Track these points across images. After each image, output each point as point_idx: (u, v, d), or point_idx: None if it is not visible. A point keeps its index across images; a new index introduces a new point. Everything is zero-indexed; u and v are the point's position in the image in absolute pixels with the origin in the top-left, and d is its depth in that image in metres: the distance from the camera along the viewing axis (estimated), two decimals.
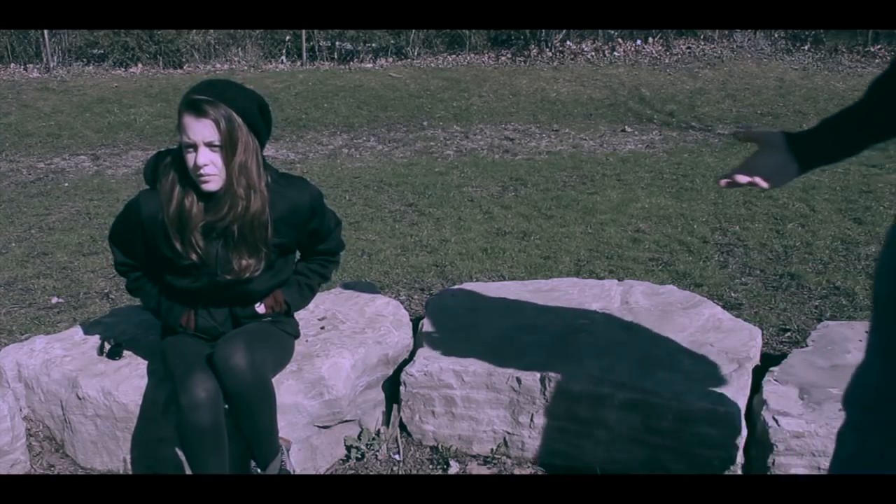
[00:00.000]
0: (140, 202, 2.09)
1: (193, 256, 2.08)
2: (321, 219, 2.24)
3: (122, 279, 4.11)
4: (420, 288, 3.89)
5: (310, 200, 2.17)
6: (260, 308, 2.26)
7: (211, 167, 1.96)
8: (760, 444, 2.17)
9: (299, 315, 2.72)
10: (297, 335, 2.42)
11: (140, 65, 11.44)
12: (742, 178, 1.66)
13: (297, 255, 2.38)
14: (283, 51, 12.07)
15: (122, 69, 11.35)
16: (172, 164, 2.06)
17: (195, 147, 1.95)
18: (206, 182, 1.99)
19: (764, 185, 1.67)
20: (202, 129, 1.92)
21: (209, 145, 1.95)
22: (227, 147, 1.95)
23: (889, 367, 1.56)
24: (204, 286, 2.15)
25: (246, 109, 1.99)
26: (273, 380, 2.30)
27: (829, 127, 1.62)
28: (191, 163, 1.97)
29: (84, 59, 11.63)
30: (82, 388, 2.34)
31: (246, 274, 2.12)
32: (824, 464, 2.12)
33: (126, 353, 2.48)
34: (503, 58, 12.05)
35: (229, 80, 2.07)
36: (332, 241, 2.33)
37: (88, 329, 2.67)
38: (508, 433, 2.42)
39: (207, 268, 2.11)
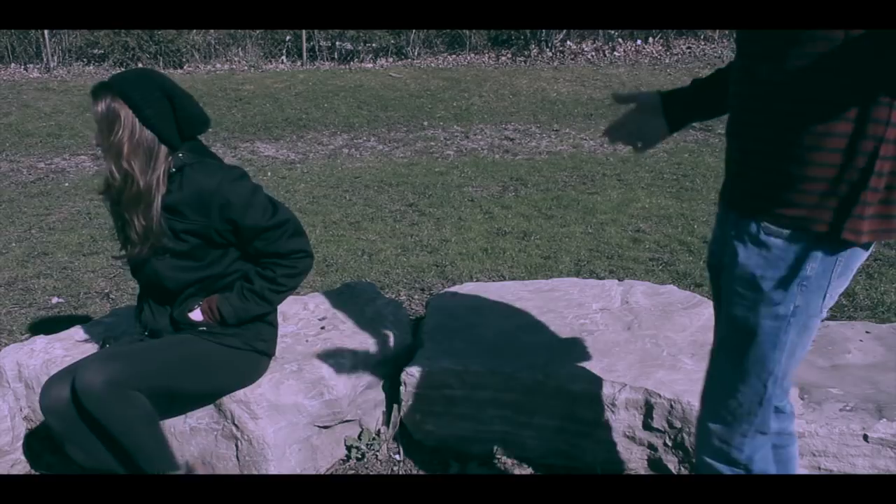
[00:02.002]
0: None
1: (117, 231, 2.19)
2: (243, 211, 2.08)
3: (121, 279, 4.12)
4: (420, 288, 3.89)
5: (218, 186, 2.06)
6: (195, 315, 2.18)
7: (99, 147, 2.08)
8: None
9: (300, 315, 2.72)
10: (251, 349, 2.23)
11: (140, 65, 11.44)
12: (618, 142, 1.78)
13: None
14: (283, 51, 12.07)
15: (123, 69, 11.34)
16: None
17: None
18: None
19: (636, 147, 1.77)
20: (93, 111, 2.06)
21: (97, 125, 2.07)
22: (105, 129, 2.05)
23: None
24: (132, 271, 2.23)
25: (134, 98, 2.02)
26: (273, 378, 2.30)
27: (700, 84, 1.71)
28: None
29: (84, 59, 11.64)
30: None
31: (138, 256, 2.12)
32: (825, 464, 2.13)
33: None
34: (503, 58, 12.05)
35: (142, 70, 2.11)
36: (273, 241, 2.13)
37: (88, 329, 2.67)
38: (508, 433, 2.41)
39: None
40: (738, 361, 1.54)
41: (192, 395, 2.26)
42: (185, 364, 2.13)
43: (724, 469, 1.64)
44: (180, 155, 2.11)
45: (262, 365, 2.29)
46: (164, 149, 2.08)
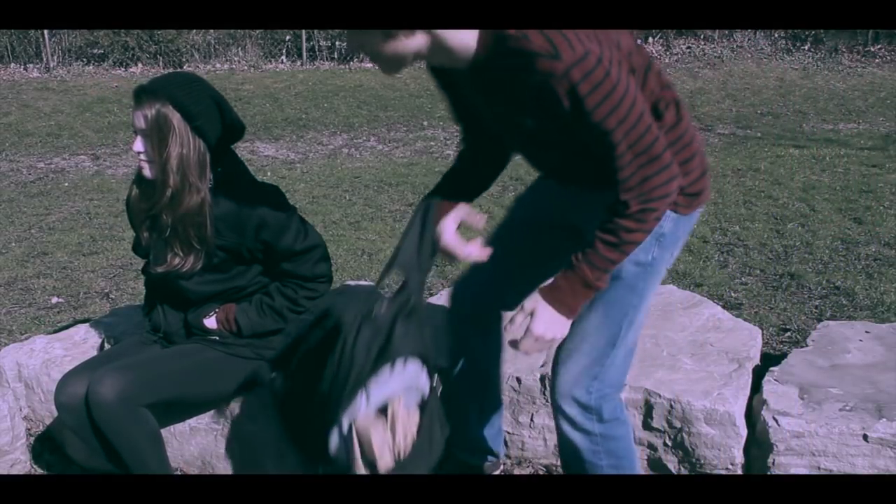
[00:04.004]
0: (129, 189, 2.20)
1: (143, 241, 2.15)
2: (278, 233, 2.08)
3: (121, 279, 4.12)
4: None
5: (257, 206, 2.06)
6: (209, 321, 2.16)
7: (144, 155, 2.02)
8: (760, 444, 2.17)
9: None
10: (259, 357, 2.19)
11: (140, 65, 11.44)
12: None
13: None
14: (283, 51, 12.07)
15: (122, 69, 11.35)
16: None
17: (136, 133, 2.03)
18: (143, 168, 2.05)
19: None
20: (137, 118, 2.00)
21: (141, 133, 2.00)
22: (155, 138, 1.98)
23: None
24: (150, 278, 2.18)
25: (186, 105, 1.97)
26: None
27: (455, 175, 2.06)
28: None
29: (84, 59, 11.63)
30: None
31: (181, 269, 2.07)
32: (825, 464, 2.13)
33: None
34: None
35: (188, 75, 2.06)
36: (301, 264, 2.14)
37: (88, 329, 2.67)
38: (508, 433, 2.41)
39: (151, 258, 2.15)
40: (599, 303, 1.68)
41: (197, 404, 2.26)
42: (195, 375, 2.13)
43: (574, 411, 1.73)
44: (219, 169, 2.08)
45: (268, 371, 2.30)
46: (209, 158, 2.05)
